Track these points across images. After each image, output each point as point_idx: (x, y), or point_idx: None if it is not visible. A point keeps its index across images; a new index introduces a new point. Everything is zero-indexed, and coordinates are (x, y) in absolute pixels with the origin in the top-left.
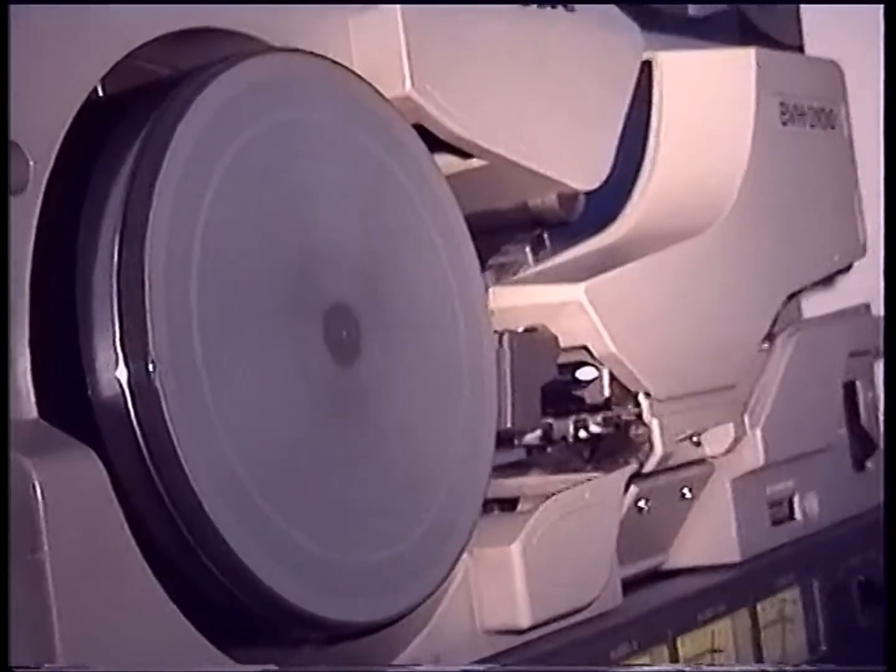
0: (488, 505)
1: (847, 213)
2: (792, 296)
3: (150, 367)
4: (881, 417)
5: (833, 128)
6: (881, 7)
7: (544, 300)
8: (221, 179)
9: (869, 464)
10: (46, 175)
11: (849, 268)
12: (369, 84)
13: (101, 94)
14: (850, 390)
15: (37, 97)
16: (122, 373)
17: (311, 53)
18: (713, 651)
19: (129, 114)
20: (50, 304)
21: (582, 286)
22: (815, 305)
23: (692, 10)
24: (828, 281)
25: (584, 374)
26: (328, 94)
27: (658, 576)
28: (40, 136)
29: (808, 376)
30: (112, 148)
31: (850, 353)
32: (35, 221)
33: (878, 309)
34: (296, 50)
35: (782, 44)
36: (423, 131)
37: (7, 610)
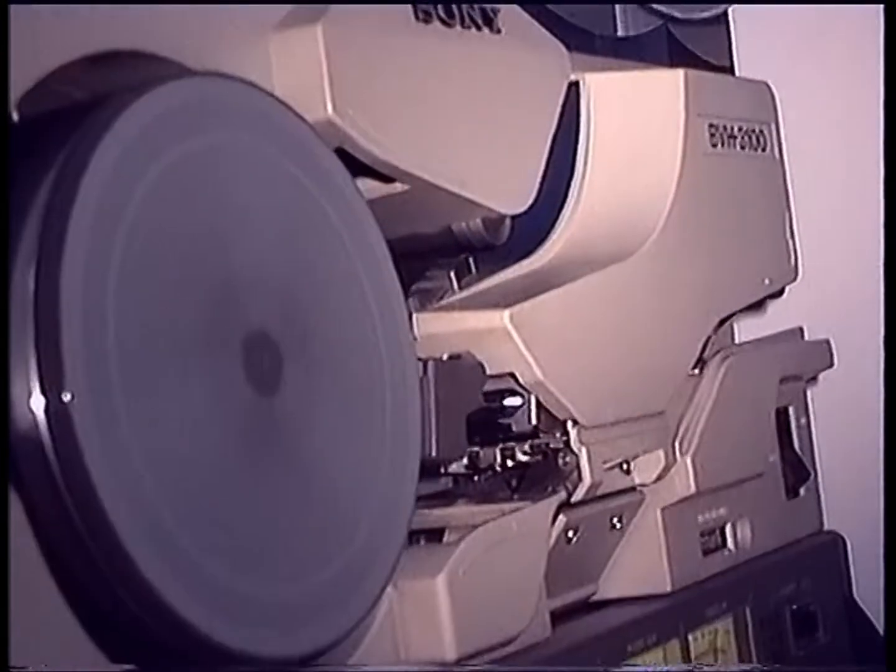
0: (413, 536)
1: (778, 236)
2: (724, 321)
3: (66, 396)
4: (815, 443)
5: (764, 150)
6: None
7: (469, 327)
8: (139, 207)
9: (802, 491)
10: None
11: (781, 292)
12: (289, 108)
13: (15, 118)
14: (782, 416)
15: None
16: (36, 403)
17: (231, 77)
18: None
19: (43, 140)
20: None
21: (507, 312)
22: (751, 331)
23: (621, 30)
24: (760, 305)
25: (511, 401)
26: (247, 118)
27: (588, 607)
28: None
29: (739, 402)
30: (26, 174)
31: (781, 379)
32: None
33: (811, 334)
34: (215, 73)
35: (712, 64)
36: (344, 155)
37: (7, 610)
